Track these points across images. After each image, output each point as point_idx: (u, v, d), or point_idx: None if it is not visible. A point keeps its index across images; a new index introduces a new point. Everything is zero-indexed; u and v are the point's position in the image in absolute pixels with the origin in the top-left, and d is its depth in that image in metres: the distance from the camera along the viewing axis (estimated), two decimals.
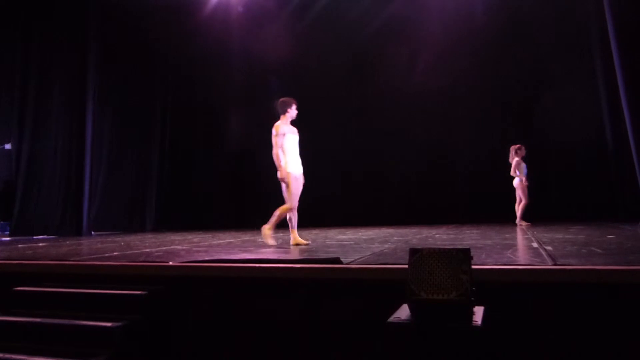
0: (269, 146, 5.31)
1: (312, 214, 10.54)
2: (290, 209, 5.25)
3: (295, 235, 5.41)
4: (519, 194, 8.09)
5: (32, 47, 10.00)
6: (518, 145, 8.14)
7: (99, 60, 10.28)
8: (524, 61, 9.60)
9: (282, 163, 5.21)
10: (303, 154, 5.46)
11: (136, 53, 11.28)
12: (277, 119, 5.42)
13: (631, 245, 4.34)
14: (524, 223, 7.96)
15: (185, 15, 11.32)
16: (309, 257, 4.03)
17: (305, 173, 5.43)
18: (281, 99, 5.53)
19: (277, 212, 5.23)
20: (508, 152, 8.20)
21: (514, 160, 8.07)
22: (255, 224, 10.36)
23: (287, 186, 5.22)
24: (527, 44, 9.69)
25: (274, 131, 5.29)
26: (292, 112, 5.46)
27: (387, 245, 5.04)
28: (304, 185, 5.39)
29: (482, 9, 9.84)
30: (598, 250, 3.93)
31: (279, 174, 5.24)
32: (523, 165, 8.05)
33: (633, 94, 6.43)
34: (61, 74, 10.04)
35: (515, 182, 8.06)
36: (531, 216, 8.15)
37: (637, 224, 6.86)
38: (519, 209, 8.06)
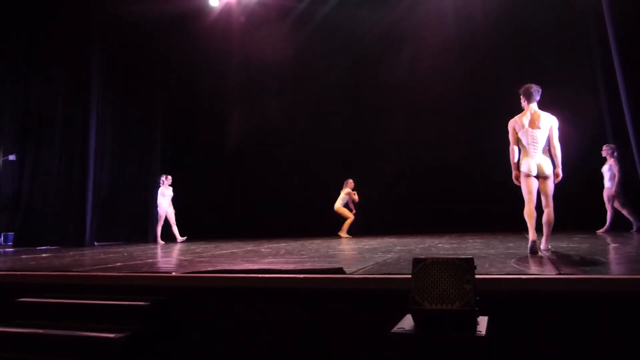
0: (273, 158, 5.29)
1: (315, 224, 10.66)
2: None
3: None
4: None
5: (36, 58, 10.09)
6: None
7: (101, 72, 10.34)
8: (526, 72, 9.64)
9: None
10: (304, 164, 5.44)
11: (138, 65, 11.36)
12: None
13: (635, 253, 4.32)
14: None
15: (187, 26, 11.43)
16: (312, 267, 4.02)
17: (305, 183, 5.41)
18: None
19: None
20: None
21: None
22: (257, 234, 10.48)
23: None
24: (528, 56, 9.76)
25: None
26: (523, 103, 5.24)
27: (390, 255, 5.03)
28: (304, 196, 5.32)
29: (481, 16, 9.95)
30: (602, 259, 3.91)
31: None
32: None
33: (634, 101, 6.46)
34: (64, 85, 10.11)
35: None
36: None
37: None
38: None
